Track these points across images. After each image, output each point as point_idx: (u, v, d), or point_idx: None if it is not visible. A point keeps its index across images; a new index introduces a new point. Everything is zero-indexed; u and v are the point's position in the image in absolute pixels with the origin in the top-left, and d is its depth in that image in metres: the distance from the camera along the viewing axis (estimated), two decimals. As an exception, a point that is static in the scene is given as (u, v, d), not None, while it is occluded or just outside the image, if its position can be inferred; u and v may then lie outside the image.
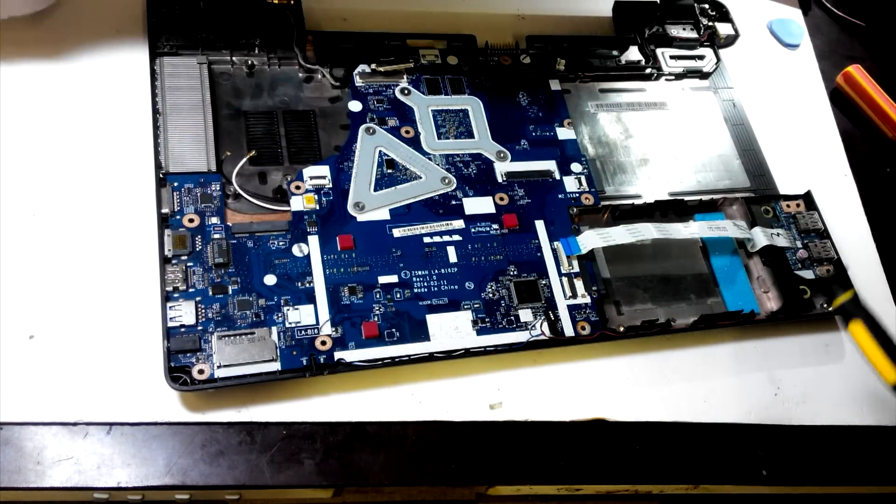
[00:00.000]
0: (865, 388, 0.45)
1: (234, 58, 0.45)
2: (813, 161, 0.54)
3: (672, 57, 0.54)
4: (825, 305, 0.46)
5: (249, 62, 0.46)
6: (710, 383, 0.43)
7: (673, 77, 0.54)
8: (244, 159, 0.42)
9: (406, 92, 0.47)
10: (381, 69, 0.47)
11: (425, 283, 0.41)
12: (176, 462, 0.36)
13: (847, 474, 0.43)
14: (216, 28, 0.45)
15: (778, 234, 0.47)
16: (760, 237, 0.46)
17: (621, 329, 0.42)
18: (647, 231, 0.44)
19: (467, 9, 0.54)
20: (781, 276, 0.46)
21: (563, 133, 0.48)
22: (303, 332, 0.38)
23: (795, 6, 0.63)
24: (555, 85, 0.50)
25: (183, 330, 0.37)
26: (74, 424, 0.35)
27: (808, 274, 0.46)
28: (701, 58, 0.55)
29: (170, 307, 0.37)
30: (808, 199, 0.49)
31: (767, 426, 0.43)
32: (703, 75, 0.55)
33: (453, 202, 0.44)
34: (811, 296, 0.46)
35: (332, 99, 0.46)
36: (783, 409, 0.44)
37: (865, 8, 0.64)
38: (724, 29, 0.57)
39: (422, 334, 0.39)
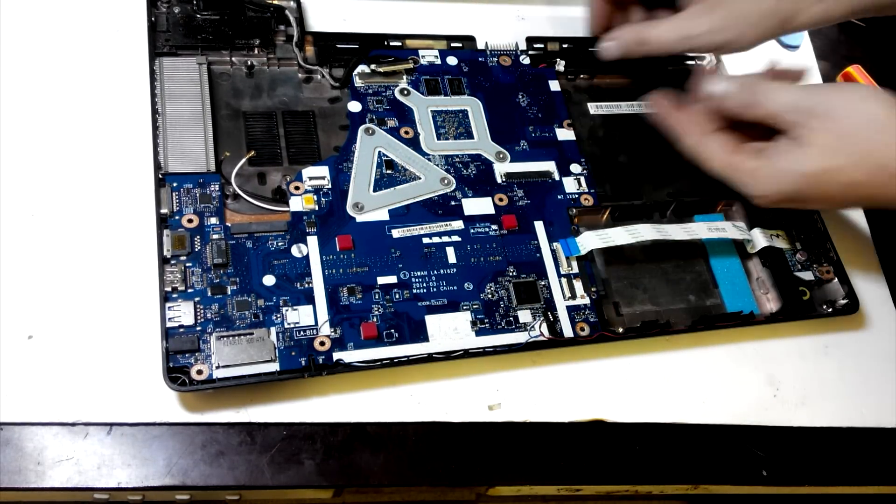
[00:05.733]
0: (865, 389, 0.45)
1: (233, 58, 0.45)
2: (812, 162, 0.54)
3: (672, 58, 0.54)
4: (825, 307, 0.46)
5: (249, 62, 0.46)
6: (710, 384, 0.43)
7: (673, 77, 0.54)
8: (243, 160, 0.42)
9: (405, 92, 0.47)
10: (381, 69, 0.47)
11: (424, 284, 0.41)
12: (176, 462, 0.36)
13: (846, 475, 0.43)
14: (216, 28, 0.45)
15: (777, 236, 0.47)
16: (760, 238, 0.46)
17: (620, 330, 0.42)
18: (646, 232, 0.44)
19: (467, 9, 0.54)
20: (781, 277, 0.46)
21: (563, 134, 0.48)
22: (301, 333, 0.38)
23: (795, 6, 0.63)
24: (554, 85, 0.50)
25: (182, 330, 0.37)
26: (74, 425, 0.35)
27: (807, 275, 0.46)
28: (701, 58, 0.54)
29: (168, 307, 0.37)
30: (807, 199, 0.49)
31: (767, 427, 0.43)
32: (702, 76, 0.55)
33: (452, 203, 0.44)
34: (810, 297, 0.46)
35: (331, 99, 0.46)
36: (782, 410, 0.44)
37: (865, 8, 0.64)
38: (723, 29, 0.57)
39: (421, 335, 0.39)
